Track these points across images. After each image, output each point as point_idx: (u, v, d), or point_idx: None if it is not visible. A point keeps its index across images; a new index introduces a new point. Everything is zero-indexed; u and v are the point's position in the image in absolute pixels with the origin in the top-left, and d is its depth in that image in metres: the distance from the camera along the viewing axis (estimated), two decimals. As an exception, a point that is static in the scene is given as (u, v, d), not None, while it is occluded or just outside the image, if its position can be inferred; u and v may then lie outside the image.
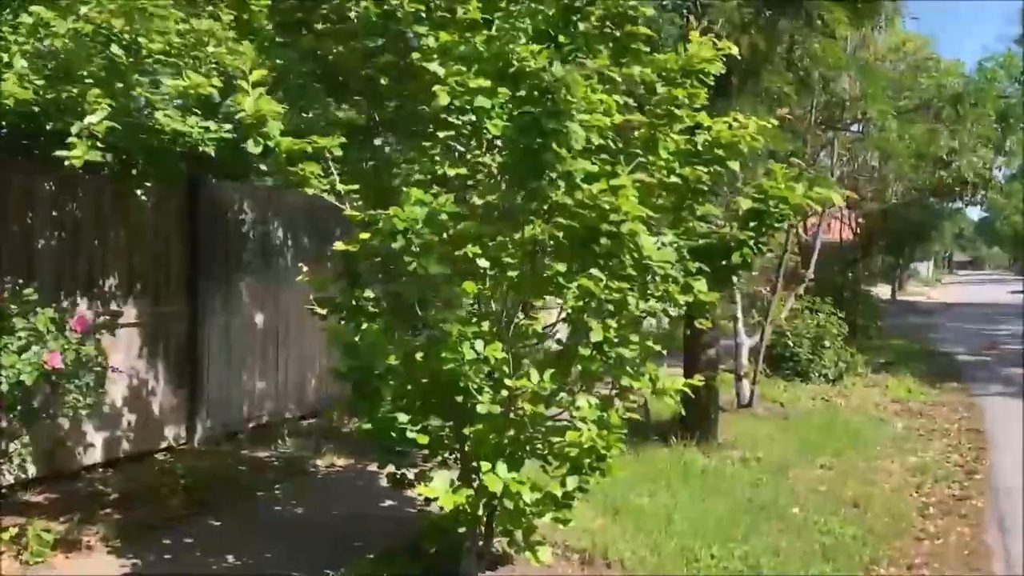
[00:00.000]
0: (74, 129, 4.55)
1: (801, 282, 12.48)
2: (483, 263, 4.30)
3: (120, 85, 4.92)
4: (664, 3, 6.94)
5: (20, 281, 5.80)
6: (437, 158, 4.29)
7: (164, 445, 8.08)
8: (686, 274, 4.58)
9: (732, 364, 11.64)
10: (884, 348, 17.68)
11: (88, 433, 7.26)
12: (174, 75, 4.81)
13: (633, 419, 4.76)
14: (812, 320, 14.11)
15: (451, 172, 4.32)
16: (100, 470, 7.32)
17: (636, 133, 4.67)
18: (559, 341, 4.89)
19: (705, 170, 4.62)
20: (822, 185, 8.18)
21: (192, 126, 5.24)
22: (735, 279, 4.72)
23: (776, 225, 4.62)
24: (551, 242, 4.17)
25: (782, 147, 6.38)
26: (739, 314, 11.69)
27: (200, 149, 5.37)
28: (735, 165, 4.75)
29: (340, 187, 4.42)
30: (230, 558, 5.56)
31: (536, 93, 3.96)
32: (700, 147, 4.74)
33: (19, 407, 5.46)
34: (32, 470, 6.66)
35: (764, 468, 8.09)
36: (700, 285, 4.56)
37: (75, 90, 4.61)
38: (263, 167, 4.31)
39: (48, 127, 4.92)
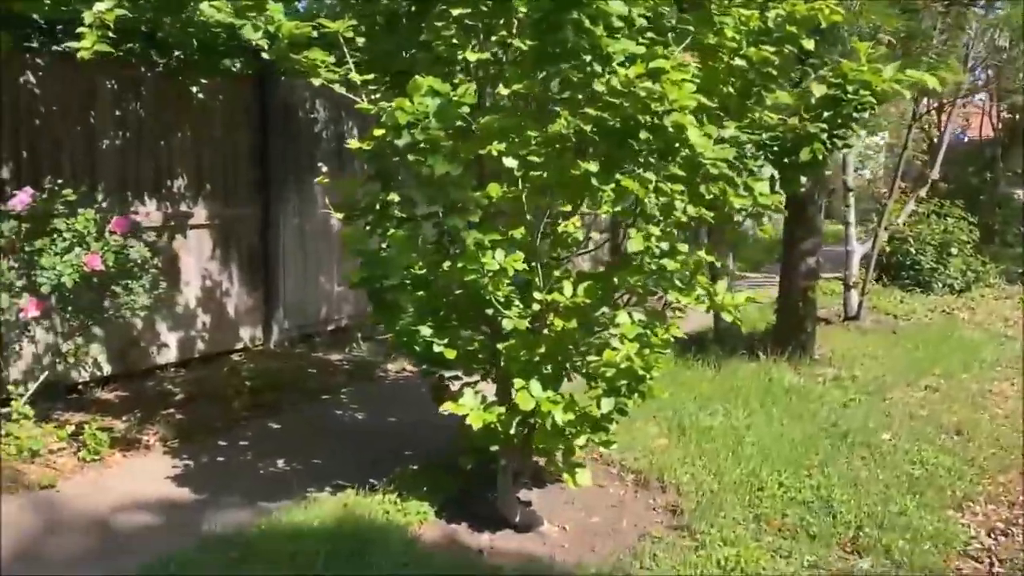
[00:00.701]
0: (87, 18, 4.26)
1: (924, 183, 11.27)
2: (509, 162, 3.83)
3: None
4: None
5: (59, 181, 5.72)
6: (455, 40, 3.78)
7: (240, 346, 8.14)
8: (747, 173, 3.96)
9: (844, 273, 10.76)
10: (1026, 256, 16.09)
11: (162, 333, 7.35)
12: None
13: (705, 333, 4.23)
14: (939, 225, 12.86)
15: (472, 58, 3.81)
16: (174, 370, 7.43)
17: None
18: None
19: (773, 50, 3.91)
20: (947, 71, 7.23)
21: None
22: (804, 179, 4.05)
23: (855, 115, 3.90)
24: (579, 137, 3.63)
25: (891, 24, 5.49)
26: (851, 218, 10.73)
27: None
28: (809, 44, 4.01)
29: (355, 76, 3.98)
30: (280, 462, 5.50)
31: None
32: (772, 23, 4.02)
33: (69, 307, 5.47)
34: (107, 368, 6.80)
35: (859, 388, 7.41)
36: (761, 186, 3.93)
37: (84, -24, 4.32)
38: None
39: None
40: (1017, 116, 15.33)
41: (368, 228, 4.48)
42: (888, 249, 12.39)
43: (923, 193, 11.58)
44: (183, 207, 7.51)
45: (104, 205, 6.21)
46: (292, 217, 8.43)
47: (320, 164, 8.53)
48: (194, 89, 6.68)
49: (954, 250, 12.55)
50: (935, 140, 13.27)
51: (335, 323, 9.05)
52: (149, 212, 7.13)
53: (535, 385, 4.15)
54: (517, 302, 4.10)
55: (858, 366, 8.12)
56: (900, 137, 11.35)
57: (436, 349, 4.27)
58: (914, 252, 12.57)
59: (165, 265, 7.27)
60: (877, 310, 11.11)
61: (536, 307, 4.11)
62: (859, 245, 10.79)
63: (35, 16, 6.01)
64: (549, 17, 3.46)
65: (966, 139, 18.90)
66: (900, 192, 11.53)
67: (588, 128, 3.60)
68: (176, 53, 6.73)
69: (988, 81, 11.52)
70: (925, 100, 9.36)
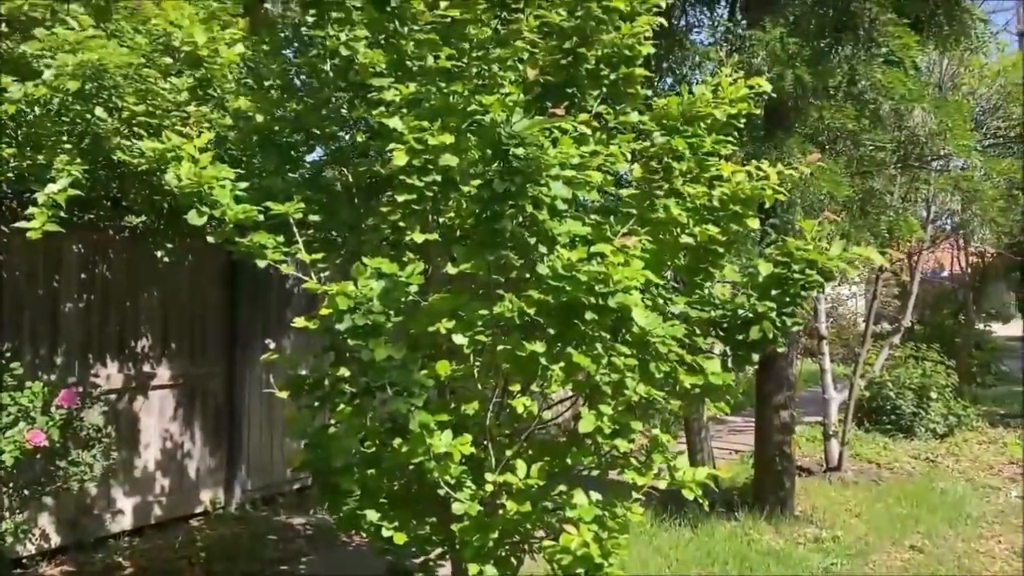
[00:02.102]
0: (40, 199, 4.28)
1: (898, 331, 11.32)
2: (459, 339, 3.78)
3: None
4: (699, 37, 6.33)
5: (8, 355, 5.63)
6: (401, 224, 3.80)
7: (200, 510, 7.83)
8: (695, 351, 3.91)
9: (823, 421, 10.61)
10: (1008, 396, 16.00)
11: (118, 500, 7.08)
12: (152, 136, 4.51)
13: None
14: (917, 369, 12.83)
15: (419, 239, 3.82)
16: (128, 539, 7.11)
17: (636, 190, 4.06)
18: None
19: (717, 230, 3.94)
20: (906, 228, 7.37)
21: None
22: (755, 358, 4.00)
23: (803, 294, 3.89)
24: (524, 319, 3.59)
25: (841, 192, 5.61)
26: (827, 365, 10.68)
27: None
28: (754, 223, 4.05)
29: (303, 256, 3.98)
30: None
31: (496, 150, 3.42)
32: (716, 202, 4.07)
33: (10, 484, 5.27)
34: (56, 539, 6.50)
35: (842, 550, 7.14)
36: (712, 365, 3.87)
37: (41, 157, 4.38)
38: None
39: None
40: (984, 259, 15.65)
41: (317, 404, 4.38)
42: (867, 394, 12.31)
43: (897, 340, 11.59)
44: (146, 367, 7.39)
45: (56, 374, 6.08)
46: (259, 374, 8.31)
47: (291, 318, 8.49)
48: (159, 254, 6.69)
49: (934, 394, 12.46)
50: (907, 284, 13.43)
51: (300, 482, 8.77)
52: (110, 375, 7.01)
53: (490, 570, 3.96)
54: (469, 483, 3.96)
55: (840, 524, 7.86)
56: (872, 282, 11.46)
57: (385, 533, 4.09)
58: (894, 397, 12.48)
59: (125, 428, 7.11)
60: (859, 458, 10.91)
61: (489, 488, 3.96)
62: (836, 392, 10.70)
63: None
64: (490, 206, 3.48)
65: (945, 273, 19.23)
66: (874, 339, 11.54)
67: (532, 311, 3.56)
68: (142, 218, 6.78)
69: (953, 228, 11.79)
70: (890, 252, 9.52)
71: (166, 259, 7.13)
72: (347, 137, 4.40)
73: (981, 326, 19.32)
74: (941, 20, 6.58)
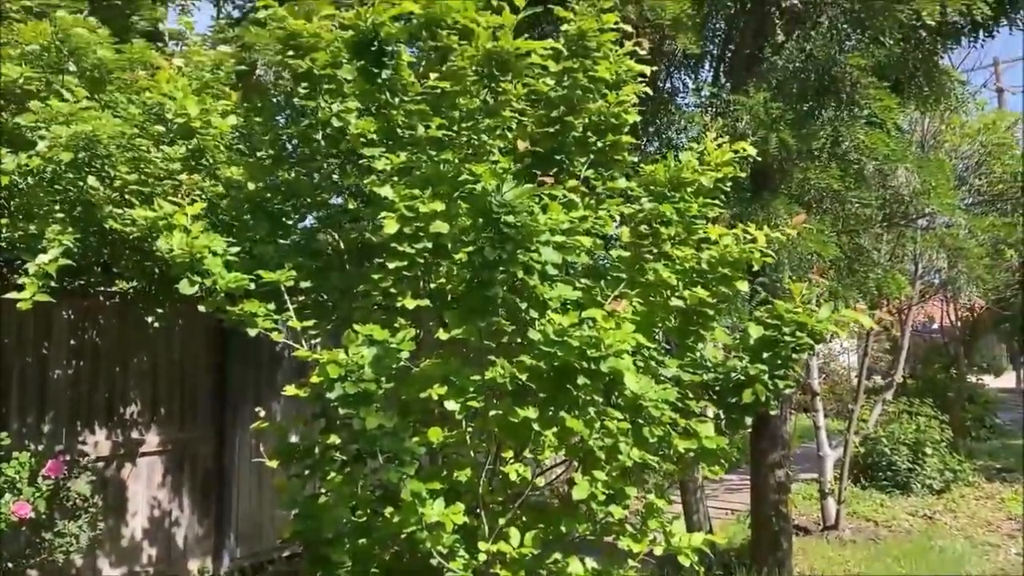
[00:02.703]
0: (31, 269, 4.29)
1: (890, 387, 11.31)
2: (451, 406, 3.76)
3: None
4: (684, 101, 6.46)
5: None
6: (392, 290, 3.82)
7: (187, 578, 7.67)
8: (688, 415, 3.90)
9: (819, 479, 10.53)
10: (1003, 450, 15.93)
11: (104, 570, 6.93)
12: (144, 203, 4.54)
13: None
14: (911, 424, 12.78)
15: (410, 305, 3.83)
16: (112, 610, 6.94)
17: (625, 251, 4.09)
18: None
19: (707, 292, 3.97)
20: (893, 284, 7.42)
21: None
22: (748, 421, 3.99)
23: (794, 357, 3.90)
24: (516, 385, 3.58)
25: (828, 252, 5.66)
26: (820, 422, 10.64)
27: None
28: (743, 285, 4.08)
29: (295, 323, 3.98)
30: None
31: (487, 218, 3.45)
32: (705, 264, 4.11)
33: (-7, 556, 5.17)
34: (38, 612, 6.34)
35: (841, 613, 7.02)
36: (705, 429, 3.86)
37: (33, 228, 4.40)
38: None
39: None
40: (974, 313, 15.75)
41: (307, 473, 4.33)
42: (862, 450, 12.25)
43: (889, 396, 11.58)
44: (135, 434, 7.30)
45: (44, 443, 6.00)
46: (249, 438, 8.22)
47: (282, 382, 8.45)
48: (149, 319, 6.68)
49: (929, 449, 12.40)
50: (897, 338, 13.45)
51: (290, 549, 8.61)
52: (98, 442, 6.92)
53: (484, 642, 3.88)
54: (462, 552, 3.90)
55: (839, 586, 7.75)
56: (863, 337, 11.50)
57: (376, 606, 4.01)
58: (889, 453, 12.40)
59: (112, 496, 6.99)
60: (856, 516, 10.80)
61: (483, 557, 3.90)
62: (831, 450, 10.64)
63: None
64: (481, 273, 3.50)
65: (935, 326, 19.29)
66: (867, 394, 11.53)
67: (524, 377, 3.55)
68: (133, 283, 6.79)
69: (941, 284, 11.87)
70: (879, 312, 9.58)
71: (156, 324, 7.12)
72: (339, 202, 4.43)
73: (973, 379, 19.33)
74: (921, 82, 6.74)
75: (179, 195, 4.42)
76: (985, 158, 8.65)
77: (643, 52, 4.30)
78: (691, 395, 4.02)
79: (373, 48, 3.93)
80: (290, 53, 3.96)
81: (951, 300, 15.16)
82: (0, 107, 4.72)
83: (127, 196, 4.71)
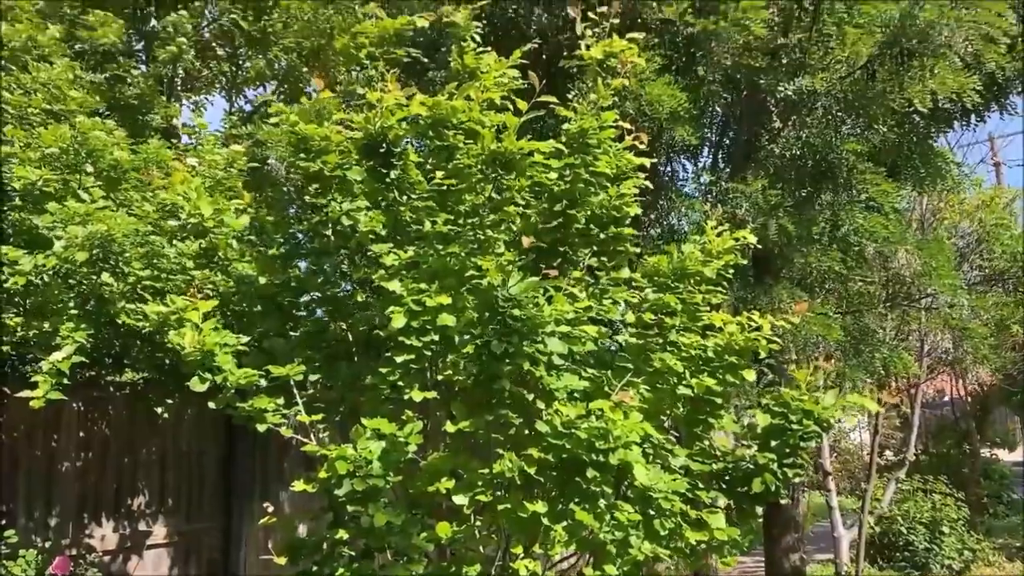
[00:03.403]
0: (44, 367, 4.35)
1: (902, 466, 11.18)
2: (460, 499, 3.76)
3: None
4: (683, 191, 6.60)
5: (3, 521, 5.56)
6: (400, 383, 3.86)
7: (192, 676, 7.48)
8: (699, 505, 3.89)
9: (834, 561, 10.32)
10: (1021, 527, 15.56)
11: (104, 668, 6.78)
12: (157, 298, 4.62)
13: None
14: (925, 503, 12.56)
15: (417, 397, 3.86)
16: None
17: (632, 337, 4.15)
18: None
19: (714, 381, 4.00)
20: (900, 365, 7.42)
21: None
22: (759, 510, 3.97)
23: (803, 445, 3.90)
24: (525, 478, 3.58)
25: (833, 336, 5.70)
26: (834, 502, 10.49)
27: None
28: (750, 375, 4.11)
29: (303, 418, 4.01)
30: None
31: (493, 311, 3.52)
32: (711, 352, 4.15)
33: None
34: None
35: None
36: (716, 520, 3.84)
37: (47, 325, 4.47)
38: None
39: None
40: (984, 388, 15.63)
41: (315, 568, 4.29)
42: (877, 530, 12.01)
43: (902, 474, 11.43)
44: (142, 526, 7.24)
45: (51, 538, 5.96)
46: (256, 529, 8.14)
47: (290, 471, 8.40)
48: (159, 410, 6.71)
49: (946, 528, 12.14)
50: (908, 415, 13.34)
51: (297, 643, 8.42)
52: (105, 535, 6.86)
53: None
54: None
55: (860, 677, 7.52)
56: (873, 415, 11.40)
57: None
58: (905, 532, 12.15)
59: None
60: (876, 599, 10.55)
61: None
62: (846, 530, 10.46)
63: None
64: (488, 367, 3.54)
65: (947, 399, 19.07)
66: (879, 472, 11.38)
67: (532, 470, 3.56)
68: (144, 374, 6.84)
69: (948, 363, 11.83)
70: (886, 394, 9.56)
71: (165, 415, 7.14)
72: (347, 288, 4.50)
73: (987, 454, 19.03)
74: (917, 164, 6.88)
75: (191, 291, 4.51)
76: (985, 237, 8.75)
77: (642, 145, 4.43)
78: (701, 485, 4.01)
79: (382, 150, 4.07)
80: (301, 156, 4.10)
81: (959, 376, 15.08)
82: (20, 207, 4.85)
83: (140, 291, 4.79)
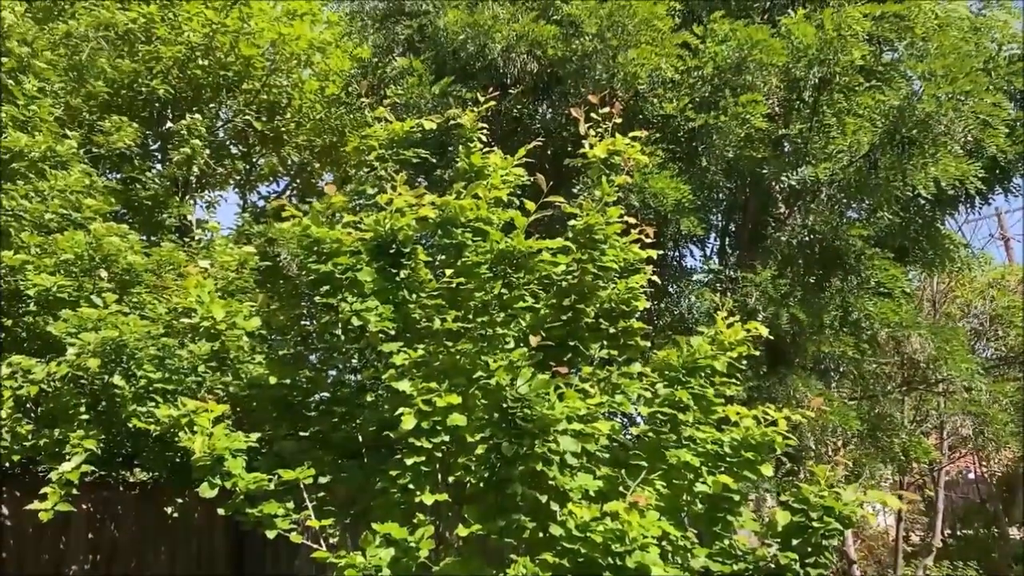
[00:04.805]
0: (53, 477, 4.33)
1: (929, 550, 10.85)
2: (473, 608, 3.66)
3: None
4: (691, 278, 6.61)
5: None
6: (411, 486, 3.80)
7: None
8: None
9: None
10: (1060, 614, 14.95)
11: None
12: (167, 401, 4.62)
13: None
14: (957, 590, 12.16)
15: (428, 500, 3.80)
16: None
17: (647, 429, 4.09)
18: None
19: (731, 479, 3.92)
20: (920, 451, 7.27)
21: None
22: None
23: (824, 543, 3.79)
24: (540, 585, 3.49)
25: (851, 425, 5.61)
26: (861, 595, 10.15)
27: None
28: (767, 470, 4.03)
29: (313, 523, 3.94)
30: None
31: (503, 412, 3.49)
32: (728, 448, 4.08)
33: None
34: None
35: None
36: (740, 626, 3.71)
37: (57, 433, 4.46)
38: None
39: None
40: (1009, 468, 15.26)
41: None
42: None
43: (930, 561, 11.09)
44: (150, 634, 7.07)
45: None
46: (267, 633, 7.93)
47: (300, 567, 8.23)
48: (169, 509, 6.63)
49: (980, 616, 11.72)
50: (932, 497, 13.01)
51: None
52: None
53: None
54: None
55: None
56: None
57: None
58: (938, 621, 11.74)
59: None
60: None
61: None
62: (876, 623, 10.08)
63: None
64: (499, 470, 3.50)
65: (972, 475, 18.58)
66: (905, 558, 11.05)
67: (547, 575, 3.47)
68: (154, 474, 6.79)
69: (969, 451, 11.62)
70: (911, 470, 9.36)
71: (176, 515, 7.05)
72: (357, 385, 4.49)
73: (1017, 534, 18.44)
74: (924, 247, 6.89)
75: (202, 394, 4.50)
76: (997, 318, 8.69)
77: (648, 239, 4.46)
78: (722, 590, 3.89)
79: (392, 250, 4.11)
80: (312, 258, 4.14)
81: (983, 459, 14.77)
82: (34, 312, 4.91)
83: (151, 393, 4.79)
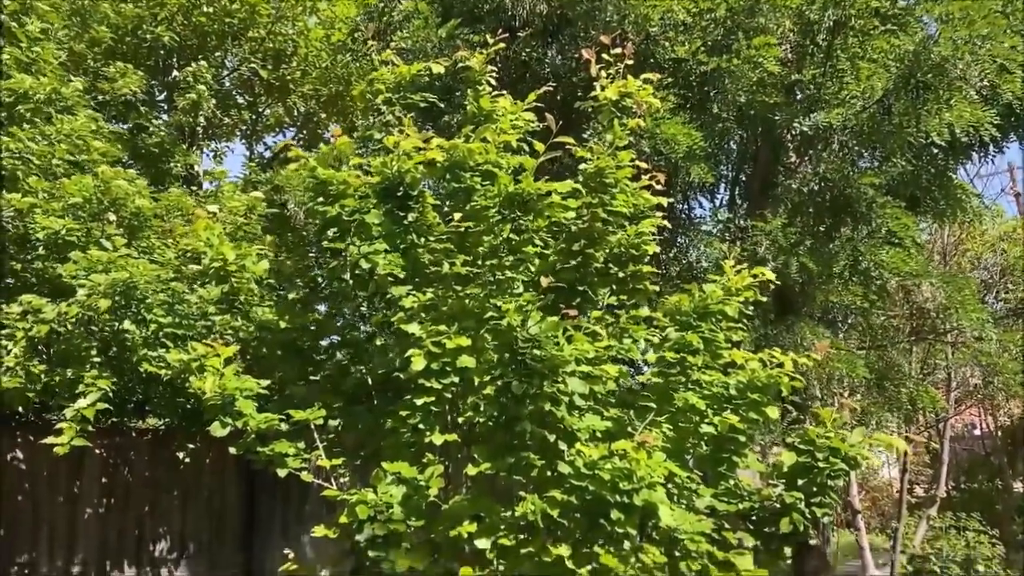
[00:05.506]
0: (68, 414, 4.38)
1: (933, 501, 10.94)
2: (482, 543, 3.70)
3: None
4: (701, 228, 6.57)
5: (26, 571, 5.54)
6: (420, 425, 3.83)
7: None
8: (725, 547, 3.81)
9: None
10: (1062, 566, 15.12)
11: None
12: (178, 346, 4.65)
13: None
14: (959, 540, 12.25)
15: (438, 440, 3.83)
16: None
17: (654, 376, 4.11)
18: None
19: (737, 418, 3.94)
20: (927, 400, 7.28)
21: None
22: (787, 551, 3.88)
23: (830, 484, 3.82)
24: (547, 521, 3.53)
25: (857, 373, 5.62)
26: (864, 542, 10.27)
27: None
28: (773, 412, 4.05)
29: (324, 462, 3.99)
30: None
31: (513, 352, 3.51)
32: (734, 390, 4.10)
33: None
34: None
35: None
36: (744, 562, 3.76)
37: (69, 372, 4.50)
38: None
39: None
40: (1014, 421, 15.31)
41: (338, 614, 4.24)
42: (910, 569, 11.72)
43: (934, 512, 11.19)
44: (164, 572, 7.21)
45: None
46: (278, 570, 8.07)
47: (311, 512, 8.36)
48: (181, 455, 6.72)
49: (981, 567, 11.83)
50: (938, 450, 13.09)
51: None
52: (126, 581, 6.84)
53: None
54: None
55: None
56: (900, 453, 11.21)
57: None
58: (939, 571, 11.85)
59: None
60: (913, 641, 10.27)
61: None
62: (877, 570, 10.22)
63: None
64: (508, 409, 3.52)
65: (977, 432, 18.68)
66: (909, 509, 11.15)
67: (556, 512, 3.51)
68: (165, 420, 6.87)
69: (978, 401, 11.64)
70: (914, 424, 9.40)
71: (187, 460, 7.15)
72: (366, 332, 4.51)
73: (1021, 488, 18.58)
74: (936, 197, 6.83)
75: (212, 337, 4.53)
76: (1009, 269, 8.63)
77: (659, 185, 4.43)
78: (727, 525, 3.93)
79: (399, 193, 4.10)
80: (320, 200, 4.13)
81: (990, 411, 14.81)
82: (43, 257, 4.92)
83: (162, 338, 4.82)
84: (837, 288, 6.05)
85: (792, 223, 5.92)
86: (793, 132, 6.14)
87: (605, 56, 4.46)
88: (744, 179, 7.15)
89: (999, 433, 15.33)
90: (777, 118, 6.06)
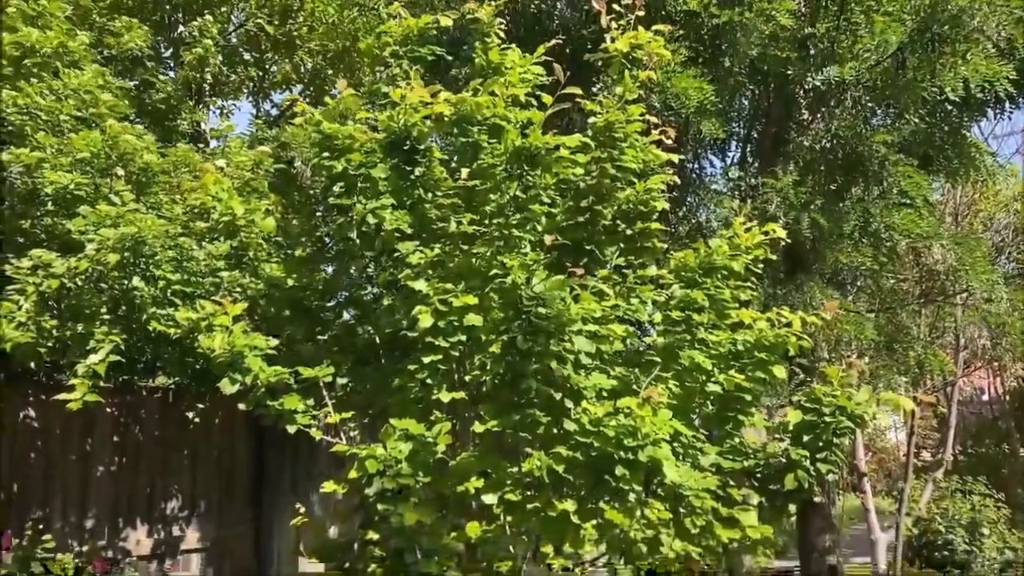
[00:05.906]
0: (80, 369, 4.40)
1: (939, 465, 10.97)
2: (489, 499, 3.74)
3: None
4: (711, 187, 6.51)
5: (40, 526, 5.62)
6: (428, 381, 3.84)
7: None
8: (730, 503, 3.83)
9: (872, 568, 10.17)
10: (1066, 529, 15.19)
11: (139, 668, 6.84)
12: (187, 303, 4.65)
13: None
14: (964, 503, 12.31)
15: (445, 398, 3.85)
16: None
17: (659, 336, 4.10)
18: None
19: (743, 377, 3.94)
20: (935, 363, 7.25)
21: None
22: (792, 508, 3.90)
23: (836, 441, 3.82)
24: (553, 477, 3.55)
25: (865, 335, 5.59)
26: (870, 504, 10.31)
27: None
28: (780, 372, 4.03)
29: (333, 418, 4.01)
30: None
31: (518, 310, 3.50)
32: (740, 348, 4.08)
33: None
34: None
35: None
36: (748, 518, 3.78)
37: (80, 327, 4.51)
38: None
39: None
40: (1022, 384, 15.30)
41: (347, 567, 4.29)
42: (915, 531, 11.80)
43: (940, 475, 11.23)
44: (175, 530, 7.30)
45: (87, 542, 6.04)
46: (287, 527, 8.17)
47: (320, 472, 8.44)
48: (190, 414, 6.76)
49: (986, 530, 11.90)
50: (945, 415, 13.09)
51: (330, 644, 8.45)
52: (139, 539, 6.93)
53: None
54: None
55: None
56: (909, 414, 11.22)
57: None
58: (944, 532, 11.93)
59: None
60: (916, 600, 10.37)
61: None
62: (883, 532, 10.28)
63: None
64: (514, 366, 3.52)
65: (985, 397, 18.71)
66: (916, 473, 11.19)
67: (561, 468, 3.53)
68: (175, 378, 6.90)
69: (986, 362, 11.61)
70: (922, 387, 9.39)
71: (197, 420, 7.20)
72: (373, 291, 4.51)
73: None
74: (949, 155, 6.73)
75: (221, 294, 4.53)
76: (1022, 230, 8.54)
77: (669, 141, 4.37)
78: (732, 482, 3.95)
79: (406, 147, 4.06)
80: (325, 155, 4.10)
81: (998, 374, 14.79)
82: (52, 212, 4.91)
83: (170, 296, 4.82)
84: (847, 249, 6.00)
85: (803, 181, 5.86)
86: (806, 87, 6.04)
87: (616, 7, 4.39)
88: (756, 136, 7.06)
89: (1007, 397, 15.32)
90: (790, 73, 5.96)
